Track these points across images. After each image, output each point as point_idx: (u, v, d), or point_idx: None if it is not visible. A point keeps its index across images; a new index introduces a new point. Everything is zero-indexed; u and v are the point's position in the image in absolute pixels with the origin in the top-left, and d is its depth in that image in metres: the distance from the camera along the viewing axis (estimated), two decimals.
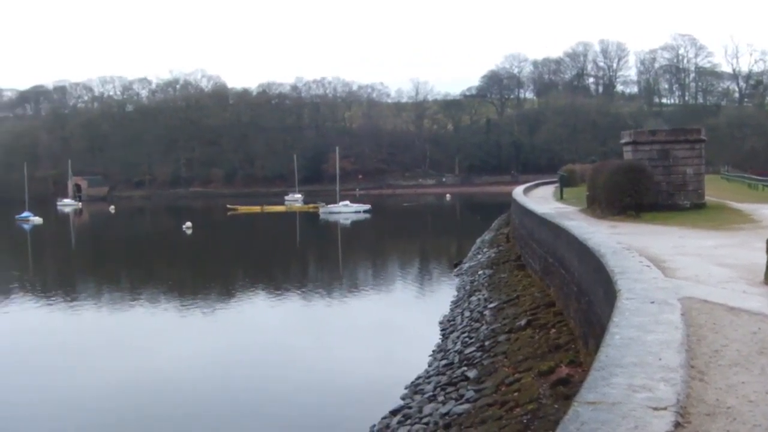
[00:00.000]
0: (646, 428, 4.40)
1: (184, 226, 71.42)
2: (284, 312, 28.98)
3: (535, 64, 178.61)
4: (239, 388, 18.70)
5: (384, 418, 15.11)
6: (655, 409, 4.72)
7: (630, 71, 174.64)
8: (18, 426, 16.33)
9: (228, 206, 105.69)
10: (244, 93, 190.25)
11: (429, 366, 18.43)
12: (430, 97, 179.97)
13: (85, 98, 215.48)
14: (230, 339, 24.42)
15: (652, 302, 8.13)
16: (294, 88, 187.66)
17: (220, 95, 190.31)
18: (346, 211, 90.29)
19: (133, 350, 23.16)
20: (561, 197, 39.46)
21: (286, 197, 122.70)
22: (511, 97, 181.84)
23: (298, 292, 33.20)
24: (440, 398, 14.95)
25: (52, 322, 28.67)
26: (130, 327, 27.18)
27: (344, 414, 16.35)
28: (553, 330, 16.07)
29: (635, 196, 24.22)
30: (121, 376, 20.04)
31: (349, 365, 20.55)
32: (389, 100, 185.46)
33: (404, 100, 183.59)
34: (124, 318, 28.64)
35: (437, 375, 17.00)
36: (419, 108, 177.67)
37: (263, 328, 26.07)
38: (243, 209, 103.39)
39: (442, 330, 22.60)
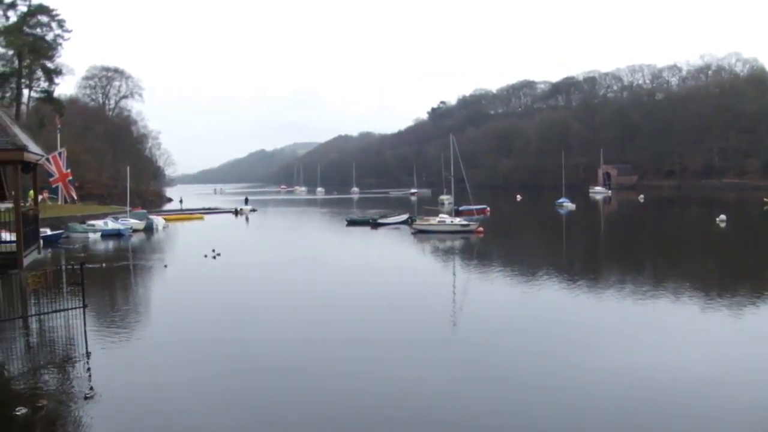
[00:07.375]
0: None
1: (717, 219, 70.15)
2: None
3: None
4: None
5: None
6: None
7: None
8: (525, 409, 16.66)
9: (765, 199, 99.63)
10: None
11: None
12: None
13: (615, 88, 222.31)
14: (749, 347, 22.07)
15: None
16: None
17: (757, 80, 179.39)
18: None
19: (641, 343, 22.52)
20: None
21: None
22: None
23: None
24: None
25: (571, 305, 29.67)
26: (645, 318, 26.67)
27: None
28: None
29: None
30: (624, 367, 19.47)
31: None
32: None
33: None
34: (643, 309, 28.31)
35: None
36: None
37: None
38: None
39: None
